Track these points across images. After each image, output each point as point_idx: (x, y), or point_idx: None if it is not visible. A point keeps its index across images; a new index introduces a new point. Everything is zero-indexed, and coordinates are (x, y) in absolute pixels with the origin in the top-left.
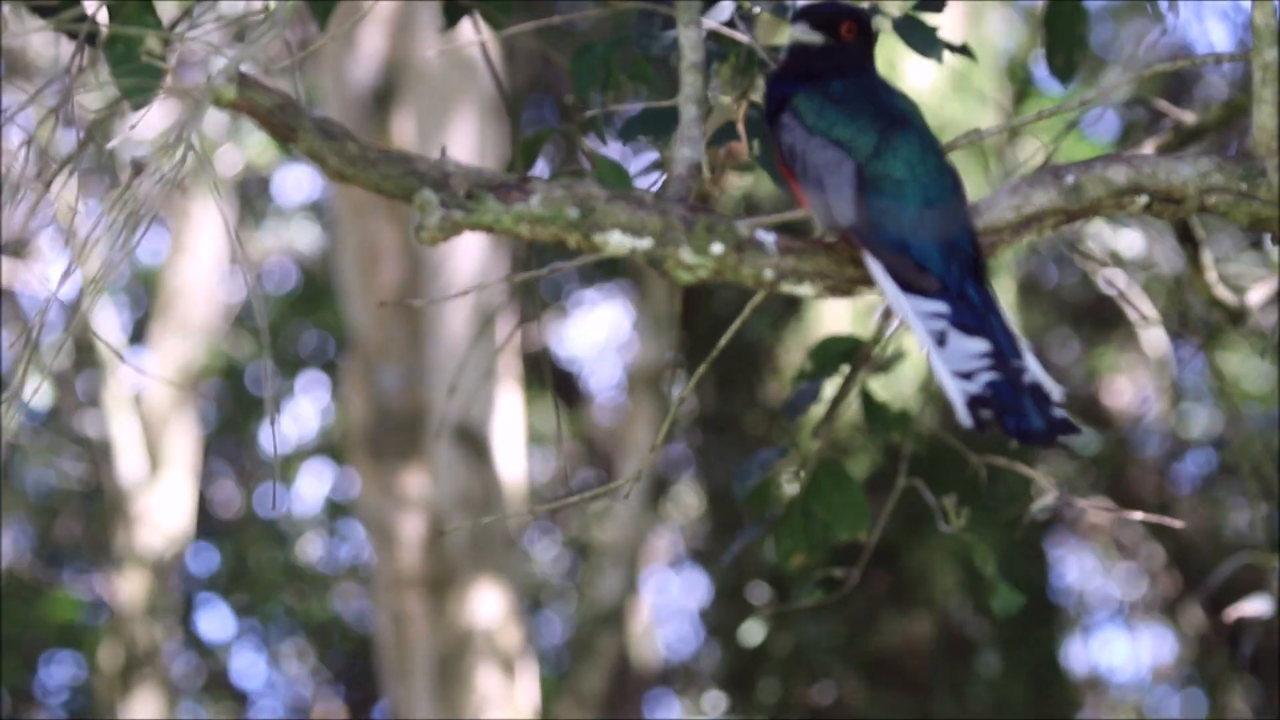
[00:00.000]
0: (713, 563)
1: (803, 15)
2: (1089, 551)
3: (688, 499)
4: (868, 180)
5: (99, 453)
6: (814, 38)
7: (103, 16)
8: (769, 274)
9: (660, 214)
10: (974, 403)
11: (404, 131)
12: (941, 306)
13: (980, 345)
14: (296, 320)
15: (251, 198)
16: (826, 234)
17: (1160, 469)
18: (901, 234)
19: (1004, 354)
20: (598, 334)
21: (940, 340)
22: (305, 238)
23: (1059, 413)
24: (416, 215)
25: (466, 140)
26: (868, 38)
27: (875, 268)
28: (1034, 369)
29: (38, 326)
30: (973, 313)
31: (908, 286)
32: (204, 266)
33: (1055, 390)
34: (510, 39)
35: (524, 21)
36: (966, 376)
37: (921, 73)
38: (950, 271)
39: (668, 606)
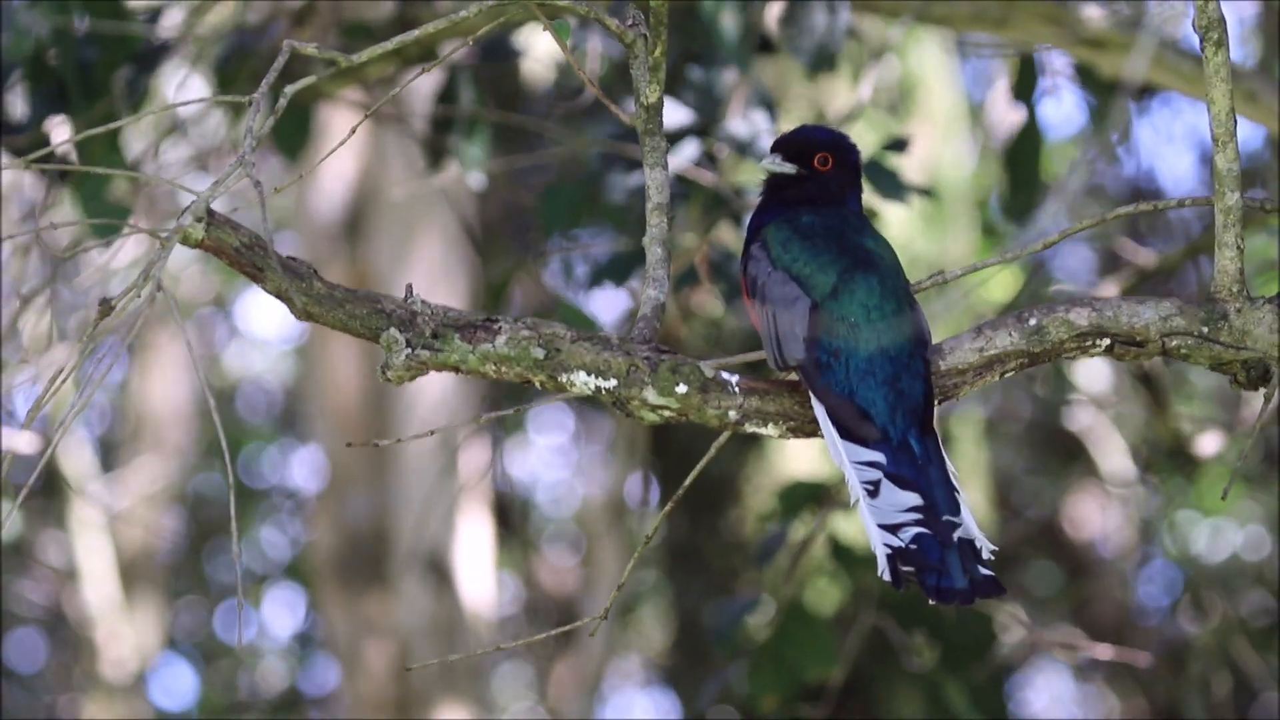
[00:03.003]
0: (678, 684)
1: (776, 145)
2: (1056, 676)
3: (652, 620)
4: (821, 320)
5: (64, 578)
6: (785, 168)
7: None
8: (733, 415)
9: (625, 355)
10: (895, 557)
11: (371, 259)
12: (879, 456)
13: (911, 499)
14: (266, 444)
15: (222, 321)
16: (778, 371)
17: (1123, 599)
18: (848, 379)
19: (936, 509)
20: (562, 458)
21: (872, 491)
22: (279, 362)
23: (985, 572)
24: (383, 354)
25: (432, 268)
26: (845, 167)
27: (819, 410)
28: (968, 524)
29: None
30: (911, 464)
31: (848, 433)
32: (174, 390)
33: (986, 548)
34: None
35: (495, 157)
36: (893, 530)
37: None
38: (894, 420)
39: None
